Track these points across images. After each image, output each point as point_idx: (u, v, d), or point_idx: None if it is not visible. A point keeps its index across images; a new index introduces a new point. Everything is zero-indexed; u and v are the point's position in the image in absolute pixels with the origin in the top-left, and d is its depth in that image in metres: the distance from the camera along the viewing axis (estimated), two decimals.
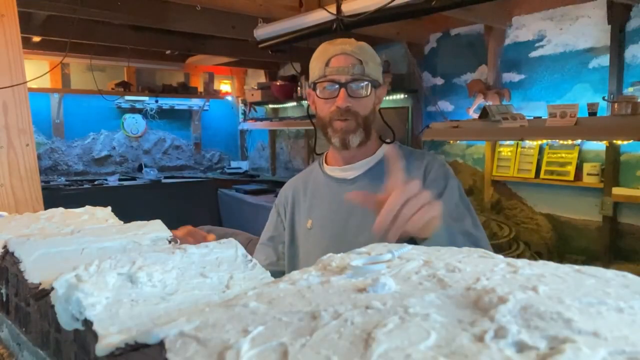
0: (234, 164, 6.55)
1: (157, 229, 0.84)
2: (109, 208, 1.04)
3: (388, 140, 1.37)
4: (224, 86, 6.41)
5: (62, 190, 4.70)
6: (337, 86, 1.23)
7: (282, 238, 1.42)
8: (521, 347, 0.31)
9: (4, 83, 1.69)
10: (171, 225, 0.88)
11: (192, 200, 5.26)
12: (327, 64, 1.24)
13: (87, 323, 0.49)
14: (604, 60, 2.98)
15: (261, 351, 0.34)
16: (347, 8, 2.81)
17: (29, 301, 0.65)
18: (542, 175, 3.23)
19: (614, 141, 2.81)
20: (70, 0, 3.10)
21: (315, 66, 1.27)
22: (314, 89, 1.29)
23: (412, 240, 0.94)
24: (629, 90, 2.81)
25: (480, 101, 3.45)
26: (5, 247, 0.72)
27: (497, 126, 3.01)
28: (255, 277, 0.62)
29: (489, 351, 0.30)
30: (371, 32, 3.65)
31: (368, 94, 1.25)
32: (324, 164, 1.42)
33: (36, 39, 4.10)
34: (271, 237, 1.44)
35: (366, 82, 1.24)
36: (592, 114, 2.80)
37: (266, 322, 0.38)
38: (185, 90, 5.87)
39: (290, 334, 0.36)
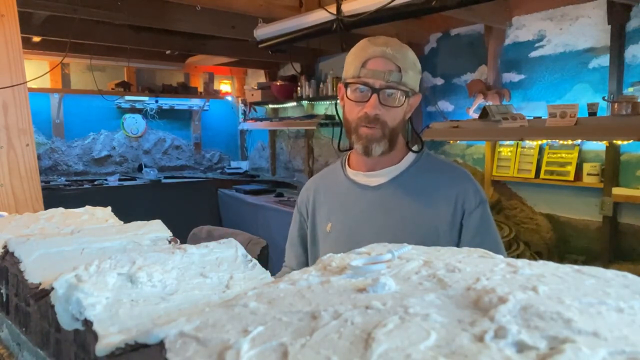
0: (234, 164, 6.55)
1: (157, 229, 0.84)
2: (109, 208, 1.04)
3: (415, 149, 1.31)
4: (224, 86, 6.40)
5: (62, 190, 4.69)
6: (369, 91, 1.16)
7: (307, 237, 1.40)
8: (521, 347, 0.31)
9: (4, 83, 1.69)
10: (171, 226, 0.88)
11: (192, 200, 5.25)
12: (363, 65, 1.16)
13: (87, 323, 0.49)
14: (604, 60, 2.98)
15: (261, 351, 0.34)
16: (347, 8, 2.81)
17: (29, 301, 0.65)
18: (542, 175, 3.23)
19: (614, 141, 2.81)
20: (70, 0, 3.10)
21: (351, 64, 1.20)
22: (346, 87, 1.22)
23: None
24: (629, 90, 2.81)
25: (480, 101, 3.45)
26: (5, 247, 0.72)
27: (497, 126, 3.00)
28: (255, 277, 0.62)
29: (489, 351, 0.30)
30: (371, 32, 3.65)
31: (400, 104, 1.18)
32: (347, 166, 1.36)
33: (36, 39, 4.09)
34: (299, 237, 1.42)
35: (401, 92, 1.17)
36: (592, 114, 2.80)
37: (266, 322, 0.38)
38: (185, 90, 5.87)
39: (290, 334, 0.36)
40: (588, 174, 3.00)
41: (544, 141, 3.19)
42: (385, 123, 1.18)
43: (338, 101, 1.32)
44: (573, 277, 0.43)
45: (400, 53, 1.17)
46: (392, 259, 0.52)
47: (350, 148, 1.30)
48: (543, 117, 2.96)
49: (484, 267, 0.48)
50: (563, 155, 3.16)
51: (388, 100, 1.17)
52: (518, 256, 2.80)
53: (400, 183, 1.25)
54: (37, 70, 4.65)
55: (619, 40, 2.87)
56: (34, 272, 0.64)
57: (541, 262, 0.49)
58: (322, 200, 1.36)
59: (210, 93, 6.12)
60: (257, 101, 5.65)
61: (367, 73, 1.16)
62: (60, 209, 1.03)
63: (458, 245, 1.18)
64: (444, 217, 1.19)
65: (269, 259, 2.37)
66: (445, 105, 3.98)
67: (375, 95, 1.15)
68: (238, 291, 0.55)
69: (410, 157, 1.29)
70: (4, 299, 0.74)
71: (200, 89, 6.11)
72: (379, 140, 1.19)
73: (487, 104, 3.31)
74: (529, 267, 0.47)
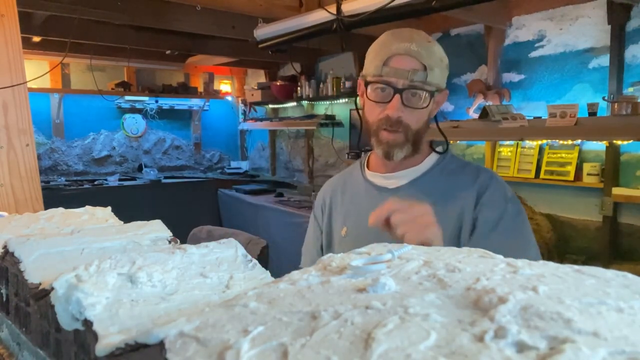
0: (234, 164, 6.55)
1: (157, 229, 0.84)
2: (109, 208, 1.04)
3: (439, 150, 1.22)
4: (224, 86, 6.40)
5: (62, 190, 4.69)
6: (392, 91, 1.07)
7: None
8: (521, 347, 0.31)
9: (4, 83, 1.69)
10: (171, 226, 0.88)
11: (192, 200, 5.26)
12: (385, 63, 1.07)
13: (87, 323, 0.49)
14: (604, 60, 2.98)
15: (261, 351, 0.34)
16: (347, 8, 2.81)
17: (29, 301, 0.65)
18: (542, 176, 3.23)
19: (614, 141, 2.81)
20: (70, 0, 3.10)
21: (372, 61, 1.11)
22: (366, 86, 1.13)
23: None
24: (629, 90, 2.81)
25: (480, 101, 3.45)
26: (5, 247, 0.72)
27: (497, 126, 3.00)
28: (255, 277, 0.62)
29: (489, 351, 0.30)
30: (371, 32, 3.65)
31: (426, 104, 1.09)
32: (366, 168, 1.28)
33: (36, 39, 4.09)
34: (315, 240, 1.35)
35: (426, 92, 1.08)
36: (592, 114, 2.80)
37: (266, 322, 0.38)
38: (185, 90, 5.87)
39: (290, 334, 0.36)
40: (588, 174, 3.00)
41: (544, 141, 3.18)
42: (408, 126, 1.09)
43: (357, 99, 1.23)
44: (573, 277, 0.43)
45: (425, 49, 1.07)
46: (392, 259, 0.52)
47: (368, 150, 1.23)
48: (543, 117, 2.96)
49: (484, 267, 0.48)
50: (563, 155, 3.16)
51: (412, 101, 1.08)
52: None
53: (421, 185, 1.16)
54: (37, 70, 4.65)
55: (619, 40, 2.87)
56: (34, 272, 0.64)
57: (541, 262, 0.49)
58: (339, 203, 1.28)
59: (210, 93, 6.12)
60: (257, 101, 5.65)
61: (390, 72, 1.07)
62: (60, 209, 1.03)
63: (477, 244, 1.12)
64: (466, 220, 1.10)
65: (269, 259, 2.38)
66: (445, 105, 3.97)
67: (397, 96, 1.07)
68: (238, 291, 0.55)
69: (432, 158, 1.20)
70: (4, 299, 0.74)
71: (200, 89, 6.11)
72: (402, 145, 1.11)
73: (487, 104, 3.31)
74: (529, 267, 0.47)
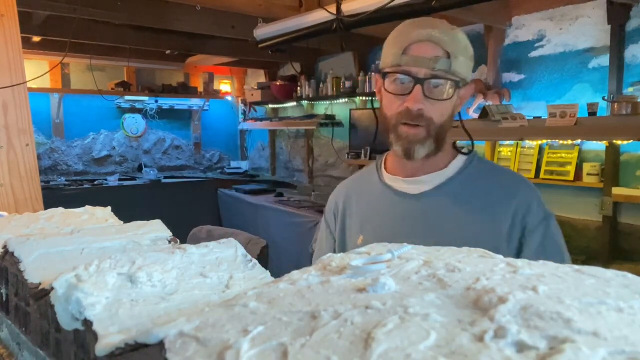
0: (234, 164, 6.55)
1: (157, 229, 0.84)
2: (109, 208, 1.04)
3: (465, 151, 1.12)
4: (224, 86, 6.40)
5: (62, 190, 4.70)
6: (412, 81, 0.97)
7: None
8: (521, 347, 0.31)
9: (4, 83, 1.69)
10: (171, 226, 0.88)
11: (192, 200, 5.26)
12: (404, 51, 0.97)
13: (87, 323, 0.49)
14: (604, 60, 2.98)
15: (261, 351, 0.34)
16: (347, 8, 2.81)
17: (29, 301, 0.65)
18: (542, 175, 3.22)
19: (614, 141, 2.81)
20: (70, 0, 3.10)
21: (390, 51, 1.01)
22: (384, 78, 1.03)
23: None
24: (629, 90, 2.81)
25: (480, 101, 3.45)
26: (5, 247, 0.72)
27: (497, 126, 3.00)
28: (255, 277, 0.62)
29: (489, 351, 0.30)
30: (371, 32, 3.65)
31: (450, 96, 0.99)
32: (383, 170, 1.17)
33: (36, 39, 4.10)
34: (327, 249, 1.22)
35: (450, 82, 0.98)
36: (592, 114, 2.80)
37: (266, 322, 0.38)
38: (185, 90, 5.87)
39: (290, 334, 0.36)
40: (588, 174, 3.00)
41: (544, 141, 3.18)
42: (430, 120, 0.99)
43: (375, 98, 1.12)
44: (573, 277, 0.43)
45: (449, 36, 0.97)
46: (392, 259, 0.52)
47: (385, 150, 1.13)
48: (543, 117, 2.96)
49: (484, 267, 0.48)
50: (563, 155, 3.16)
51: (434, 92, 0.98)
52: None
53: (448, 192, 1.05)
54: (37, 70, 4.64)
55: (619, 40, 2.87)
56: (34, 272, 0.64)
57: (541, 262, 0.49)
58: (354, 209, 1.17)
59: (210, 93, 6.12)
60: (257, 101, 5.65)
61: (410, 60, 0.97)
62: (60, 209, 1.03)
63: None
64: (501, 234, 1.00)
65: (269, 259, 2.38)
66: None
67: (418, 87, 0.96)
68: (238, 291, 0.55)
69: (459, 160, 1.09)
70: (4, 299, 0.74)
71: (200, 89, 6.11)
72: (423, 141, 1.00)
73: (487, 104, 3.31)
74: (529, 267, 0.47)
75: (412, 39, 0.97)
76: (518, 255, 1.00)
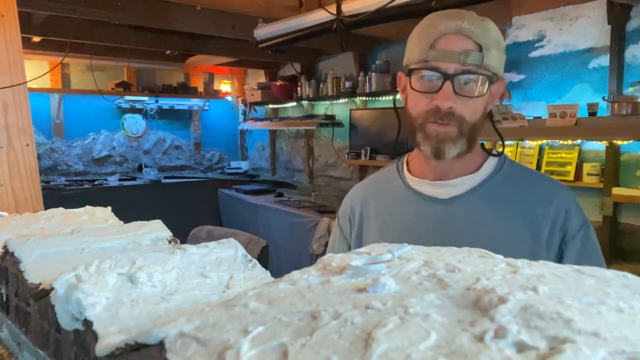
0: (234, 164, 6.55)
1: (157, 229, 0.84)
2: (109, 208, 1.04)
3: (495, 152, 1.06)
4: (224, 86, 6.41)
5: (62, 190, 4.70)
6: (441, 78, 0.90)
7: None
8: (521, 347, 0.31)
9: (4, 83, 1.69)
10: (171, 226, 0.88)
11: (192, 200, 5.26)
12: (432, 45, 0.90)
13: (87, 323, 0.49)
14: (604, 60, 2.98)
15: (261, 351, 0.34)
16: (347, 8, 2.81)
17: (29, 301, 0.65)
18: None
19: (614, 141, 2.81)
20: (70, 0, 3.10)
21: (415, 45, 0.94)
22: (408, 75, 0.96)
23: None
24: (629, 90, 2.81)
25: None
26: (5, 247, 0.72)
27: (497, 126, 3.00)
28: (255, 277, 0.62)
29: (489, 351, 0.30)
30: (371, 32, 3.65)
31: (482, 93, 0.92)
32: (406, 171, 1.08)
33: (36, 39, 4.10)
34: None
35: (482, 77, 0.91)
36: (592, 114, 2.80)
37: (266, 322, 0.38)
38: (185, 90, 5.88)
39: (290, 334, 0.36)
40: (588, 174, 3.00)
41: (544, 141, 3.18)
42: (462, 118, 0.92)
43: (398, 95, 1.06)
44: (573, 277, 0.43)
45: (479, 27, 0.90)
46: (392, 259, 0.52)
47: (408, 150, 1.05)
48: (543, 117, 2.96)
49: (484, 267, 0.48)
50: (563, 155, 3.16)
51: (465, 88, 0.91)
52: None
53: (483, 196, 0.98)
54: (37, 70, 4.65)
55: (619, 40, 2.87)
56: (34, 272, 0.64)
57: (541, 262, 0.49)
58: (372, 213, 1.09)
59: (210, 93, 6.12)
60: (257, 101, 5.66)
61: (438, 55, 0.90)
62: (60, 209, 1.03)
63: None
64: (541, 241, 0.95)
65: (269, 259, 2.38)
66: None
67: (448, 83, 0.90)
68: (238, 291, 0.55)
69: (491, 162, 1.03)
70: (4, 299, 0.74)
71: (200, 89, 6.11)
72: (455, 140, 0.93)
73: None
74: (529, 267, 0.47)
75: (440, 31, 0.90)
76: (558, 262, 0.94)
